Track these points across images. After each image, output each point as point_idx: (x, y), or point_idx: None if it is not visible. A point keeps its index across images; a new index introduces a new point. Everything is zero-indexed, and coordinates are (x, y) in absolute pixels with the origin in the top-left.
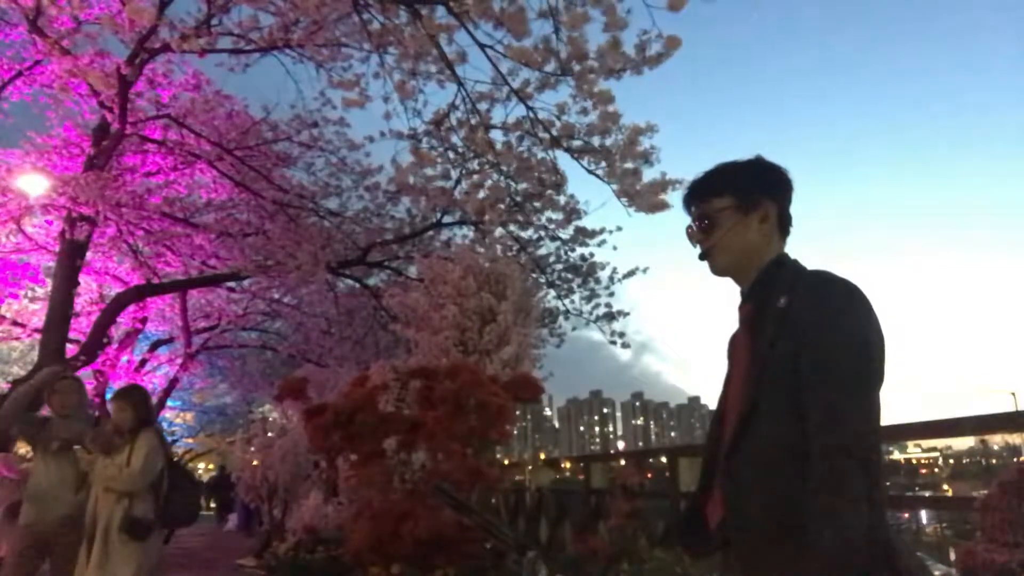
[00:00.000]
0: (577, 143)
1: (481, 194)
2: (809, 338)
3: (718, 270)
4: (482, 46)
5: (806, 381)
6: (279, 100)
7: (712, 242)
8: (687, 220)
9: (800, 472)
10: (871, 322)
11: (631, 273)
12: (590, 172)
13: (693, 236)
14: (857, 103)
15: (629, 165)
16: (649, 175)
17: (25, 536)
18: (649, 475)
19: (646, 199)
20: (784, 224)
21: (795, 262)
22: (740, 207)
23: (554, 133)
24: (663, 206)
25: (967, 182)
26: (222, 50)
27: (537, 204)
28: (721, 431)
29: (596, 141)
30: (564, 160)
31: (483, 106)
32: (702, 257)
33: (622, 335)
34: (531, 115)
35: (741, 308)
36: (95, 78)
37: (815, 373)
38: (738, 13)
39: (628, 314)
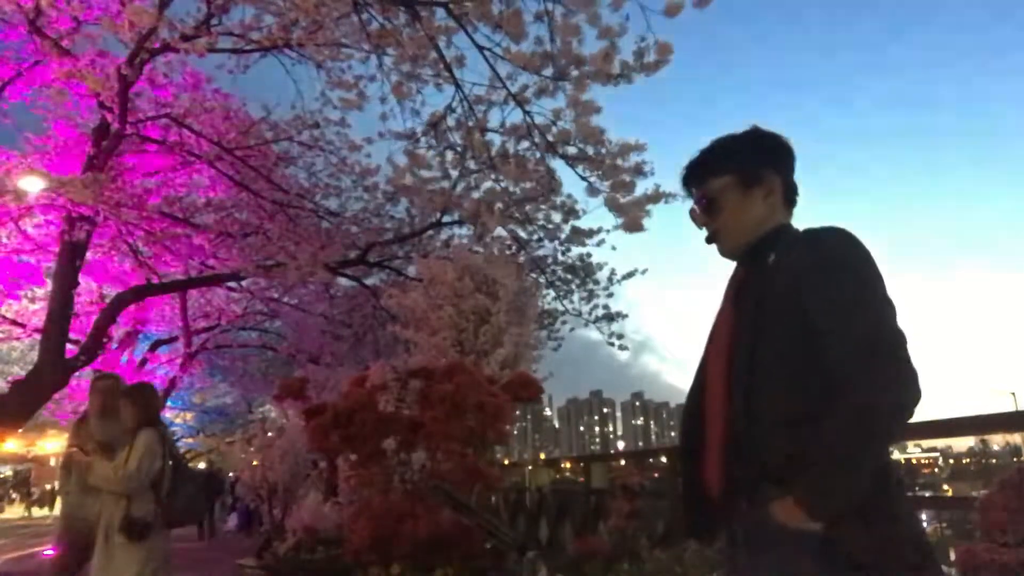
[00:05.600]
0: (572, 150)
1: (476, 194)
2: (812, 283)
3: (727, 252)
4: (480, 48)
5: (819, 325)
6: (279, 100)
7: (718, 224)
8: (688, 205)
9: (803, 432)
10: (869, 259)
11: (630, 274)
12: (583, 179)
13: (697, 219)
14: (858, 105)
15: (624, 178)
16: (643, 186)
17: (69, 531)
18: (656, 474)
19: (629, 215)
20: (790, 195)
21: (793, 227)
22: (743, 184)
23: (550, 138)
24: (639, 227)
25: (968, 181)
26: (222, 50)
27: (535, 205)
28: (704, 401)
29: (591, 150)
30: (560, 164)
31: (480, 108)
32: (709, 240)
33: (620, 337)
34: (528, 119)
35: (734, 273)
36: (93, 80)
37: (828, 315)
38: (739, 16)
39: (626, 316)
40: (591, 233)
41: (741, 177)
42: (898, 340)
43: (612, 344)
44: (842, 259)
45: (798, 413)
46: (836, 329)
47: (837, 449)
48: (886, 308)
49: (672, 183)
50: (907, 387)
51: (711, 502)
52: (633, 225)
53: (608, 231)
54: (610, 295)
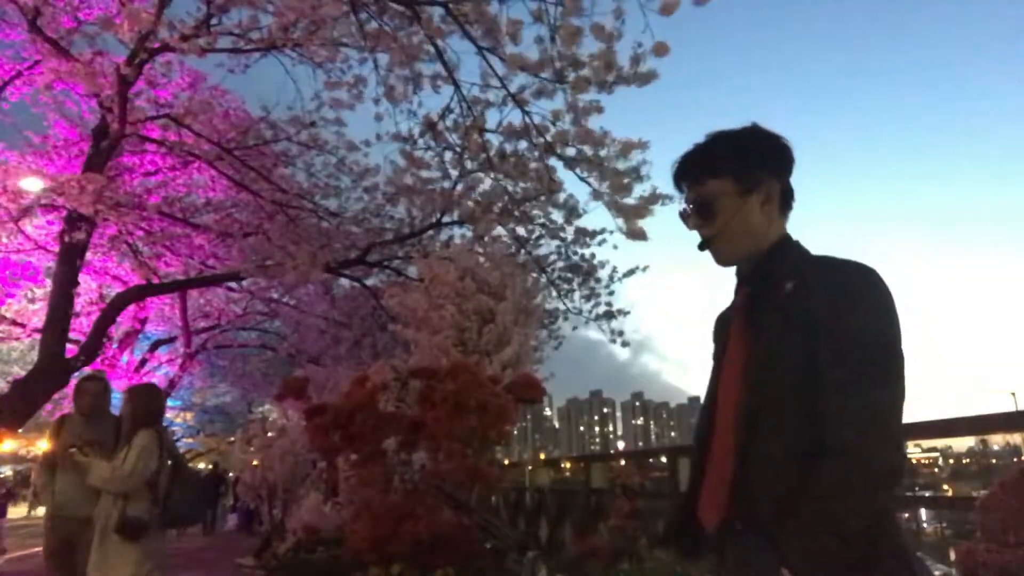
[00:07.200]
0: (571, 151)
1: (477, 194)
2: (826, 327)
3: (723, 260)
4: (480, 48)
5: (824, 374)
6: (278, 100)
7: (713, 231)
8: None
9: (796, 479)
10: (892, 307)
11: (631, 272)
12: (582, 180)
13: (689, 221)
14: (853, 101)
15: (620, 168)
16: (639, 189)
17: (54, 531)
18: (656, 474)
19: (632, 224)
20: (786, 201)
21: (799, 244)
22: (740, 189)
23: (548, 139)
24: (642, 236)
25: (966, 181)
26: (222, 50)
27: (534, 204)
28: (712, 429)
29: (589, 151)
30: (560, 165)
31: (478, 109)
32: (702, 247)
33: (621, 333)
34: (527, 119)
35: (738, 291)
36: (86, 80)
37: (835, 366)
38: (733, 17)
39: (628, 313)
40: (594, 234)
41: (739, 181)
42: (899, 405)
43: (614, 341)
44: (864, 310)
45: (797, 456)
46: (841, 381)
47: (827, 507)
48: (897, 370)
49: (669, 185)
50: (899, 450)
51: (704, 533)
52: (636, 234)
53: (611, 232)
54: (611, 293)
